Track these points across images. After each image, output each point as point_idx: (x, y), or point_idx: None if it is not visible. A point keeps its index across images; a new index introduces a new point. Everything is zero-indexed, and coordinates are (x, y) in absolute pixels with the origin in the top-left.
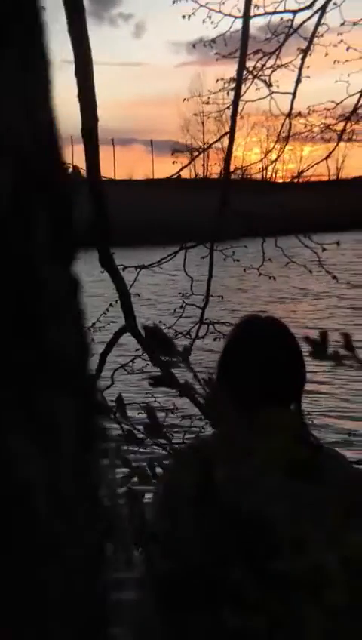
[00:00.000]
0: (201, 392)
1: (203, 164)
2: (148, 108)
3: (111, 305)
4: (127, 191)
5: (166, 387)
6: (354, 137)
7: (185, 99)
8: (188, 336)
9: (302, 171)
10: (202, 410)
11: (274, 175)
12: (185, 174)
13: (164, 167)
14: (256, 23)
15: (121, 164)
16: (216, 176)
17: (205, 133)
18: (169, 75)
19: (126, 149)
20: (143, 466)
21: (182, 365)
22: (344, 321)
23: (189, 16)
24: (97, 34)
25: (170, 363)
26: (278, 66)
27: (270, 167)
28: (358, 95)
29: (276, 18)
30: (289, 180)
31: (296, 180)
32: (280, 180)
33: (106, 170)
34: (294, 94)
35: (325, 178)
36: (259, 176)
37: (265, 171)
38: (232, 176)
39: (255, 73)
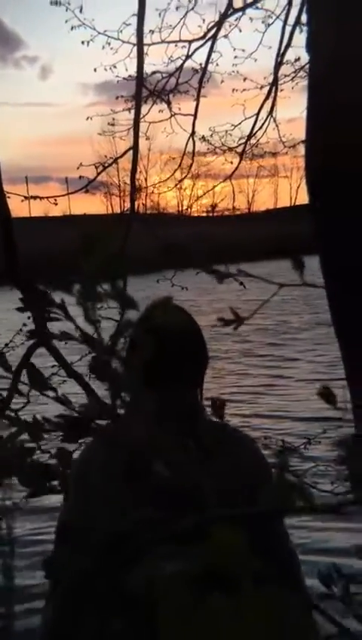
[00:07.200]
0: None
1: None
2: (61, 146)
3: (25, 324)
4: (44, 228)
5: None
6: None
7: (100, 133)
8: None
9: (215, 205)
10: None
11: (189, 209)
12: (101, 210)
13: (82, 204)
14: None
15: (36, 202)
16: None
17: (119, 170)
18: (79, 114)
19: (40, 187)
20: None
21: (61, 316)
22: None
23: (88, 42)
24: (1, 76)
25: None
26: (178, 84)
27: (185, 202)
28: (254, 117)
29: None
30: (203, 214)
31: (209, 214)
32: (196, 214)
33: (22, 209)
34: (195, 115)
35: (238, 212)
36: (174, 211)
37: (180, 205)
38: (149, 211)
39: (156, 93)
